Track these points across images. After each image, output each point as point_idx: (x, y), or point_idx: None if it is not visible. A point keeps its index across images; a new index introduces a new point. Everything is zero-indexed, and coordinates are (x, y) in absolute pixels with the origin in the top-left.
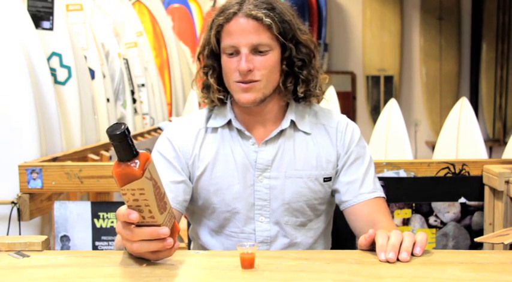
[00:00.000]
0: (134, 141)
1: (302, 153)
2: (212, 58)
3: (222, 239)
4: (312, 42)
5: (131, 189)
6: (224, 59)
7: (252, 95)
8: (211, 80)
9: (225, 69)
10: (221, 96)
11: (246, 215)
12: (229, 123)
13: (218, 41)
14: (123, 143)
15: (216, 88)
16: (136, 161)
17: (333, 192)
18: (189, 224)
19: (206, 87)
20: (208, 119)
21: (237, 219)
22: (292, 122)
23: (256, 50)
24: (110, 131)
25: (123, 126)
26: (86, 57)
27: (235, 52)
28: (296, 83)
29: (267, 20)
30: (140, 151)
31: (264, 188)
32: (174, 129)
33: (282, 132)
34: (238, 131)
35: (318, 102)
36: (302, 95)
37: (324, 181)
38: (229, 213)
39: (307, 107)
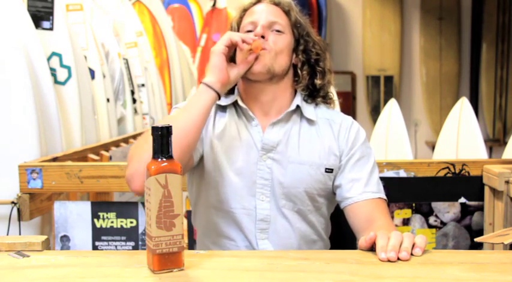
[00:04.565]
0: (135, 141)
1: (306, 141)
2: None
3: (223, 214)
4: (323, 43)
5: (146, 186)
6: None
7: (260, 64)
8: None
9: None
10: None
11: (247, 192)
12: (236, 103)
13: (238, 27)
14: (162, 138)
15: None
16: (164, 161)
17: (335, 189)
18: (189, 223)
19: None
20: None
21: (239, 196)
22: (299, 108)
23: (272, 29)
24: (157, 125)
25: (170, 125)
26: (86, 57)
27: (254, 29)
28: (313, 75)
29: (286, 7)
30: (175, 160)
31: (267, 168)
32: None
33: (289, 118)
34: (243, 111)
35: (334, 106)
36: (320, 85)
37: (326, 171)
38: (231, 189)
39: (313, 103)
